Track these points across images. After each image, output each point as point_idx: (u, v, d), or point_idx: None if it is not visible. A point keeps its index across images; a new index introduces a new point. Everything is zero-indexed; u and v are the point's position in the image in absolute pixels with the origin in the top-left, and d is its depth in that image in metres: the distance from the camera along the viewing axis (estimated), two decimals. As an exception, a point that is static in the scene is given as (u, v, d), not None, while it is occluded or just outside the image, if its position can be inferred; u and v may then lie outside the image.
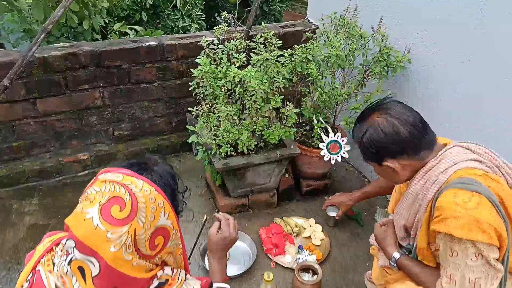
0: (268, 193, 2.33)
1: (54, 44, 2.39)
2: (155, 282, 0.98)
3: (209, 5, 4.45)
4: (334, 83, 2.11)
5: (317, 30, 2.35)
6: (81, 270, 0.89)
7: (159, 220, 0.94)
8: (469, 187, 1.10)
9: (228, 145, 2.06)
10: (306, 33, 2.24)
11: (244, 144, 2.03)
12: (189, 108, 2.12)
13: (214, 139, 2.05)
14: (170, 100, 2.66)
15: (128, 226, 0.88)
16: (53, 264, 0.98)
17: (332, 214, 2.18)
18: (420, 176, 1.23)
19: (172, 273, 1.03)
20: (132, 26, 3.25)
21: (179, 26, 3.86)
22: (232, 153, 2.09)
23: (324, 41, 2.14)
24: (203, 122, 2.07)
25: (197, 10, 3.99)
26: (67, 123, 2.46)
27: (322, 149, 2.15)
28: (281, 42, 2.10)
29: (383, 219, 1.53)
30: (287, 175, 2.37)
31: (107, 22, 3.32)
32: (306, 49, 2.07)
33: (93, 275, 0.88)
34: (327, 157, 2.16)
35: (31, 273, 1.01)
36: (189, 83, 2.11)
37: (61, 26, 3.10)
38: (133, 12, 3.68)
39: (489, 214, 1.07)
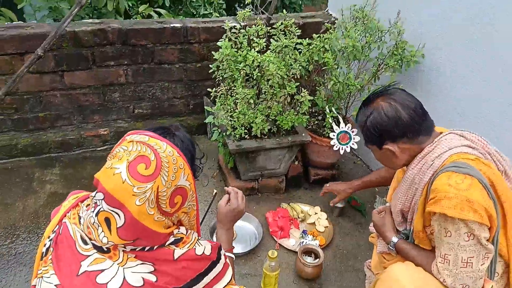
0: (277, 179, 2.40)
1: (84, 20, 2.49)
2: (171, 239, 1.06)
3: (230, -4, 4.52)
4: (349, 74, 2.17)
5: (336, 21, 2.41)
6: (107, 221, 0.97)
7: (179, 180, 1.02)
8: (462, 170, 1.18)
9: (243, 128, 2.14)
10: (325, 24, 2.29)
11: (258, 127, 2.11)
12: (208, 89, 2.20)
13: (230, 121, 2.13)
14: (190, 83, 2.75)
15: (152, 183, 0.96)
16: (79, 217, 1.07)
17: (339, 205, 2.25)
18: (417, 161, 1.31)
19: (187, 233, 1.11)
20: (156, 9, 3.34)
21: (201, 13, 3.93)
22: (246, 136, 2.17)
23: (342, 32, 2.20)
24: (220, 103, 2.15)
25: (219, -2, 4.06)
26: (91, 97, 2.56)
27: (333, 139, 2.22)
28: (300, 31, 2.17)
29: (380, 207, 1.59)
30: (296, 163, 2.45)
31: (131, 5, 3.42)
32: (324, 39, 2.13)
33: (118, 226, 0.96)
34: (336, 146, 2.22)
35: (57, 225, 1.10)
36: (210, 66, 2.20)
37: (86, 6, 3.20)
38: (157, -3, 3.76)
39: (480, 195, 1.14)
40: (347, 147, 2.23)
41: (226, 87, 2.14)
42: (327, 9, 2.95)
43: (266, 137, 2.21)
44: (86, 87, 2.52)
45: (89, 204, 1.08)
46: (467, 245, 1.15)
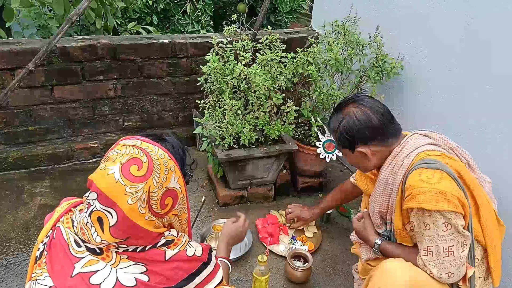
0: (266, 187, 2.46)
1: (74, 36, 2.55)
2: (162, 240, 1.10)
3: (217, 14, 4.63)
4: (332, 85, 2.26)
5: (319, 36, 2.51)
6: (100, 220, 1.01)
7: (170, 183, 1.07)
8: (431, 165, 1.27)
9: (231, 137, 2.20)
10: (309, 39, 2.40)
11: (246, 137, 2.18)
12: (197, 101, 2.27)
13: (219, 131, 2.19)
14: (178, 96, 2.80)
15: (144, 183, 1.01)
16: (72, 221, 1.11)
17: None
18: (388, 163, 1.40)
19: (178, 235, 1.16)
20: (145, 26, 3.41)
21: (188, 30, 4.02)
22: (234, 145, 2.23)
23: (325, 46, 2.30)
24: (209, 114, 2.21)
25: (206, 16, 4.16)
26: (81, 111, 2.60)
27: (319, 147, 2.29)
28: (285, 46, 2.27)
29: (359, 214, 1.67)
30: (284, 171, 2.51)
31: (119, 23, 3.48)
32: (308, 53, 2.23)
33: (110, 225, 1.00)
34: (322, 154, 2.30)
35: (51, 230, 1.13)
36: (198, 79, 2.27)
37: (74, 24, 3.26)
38: (145, 15, 3.84)
39: (451, 186, 1.24)
40: (333, 155, 2.30)
41: (214, 99, 2.21)
42: (310, 25, 3.07)
43: (254, 146, 2.27)
44: (76, 101, 2.56)
45: (82, 209, 1.11)
46: (446, 234, 1.23)
